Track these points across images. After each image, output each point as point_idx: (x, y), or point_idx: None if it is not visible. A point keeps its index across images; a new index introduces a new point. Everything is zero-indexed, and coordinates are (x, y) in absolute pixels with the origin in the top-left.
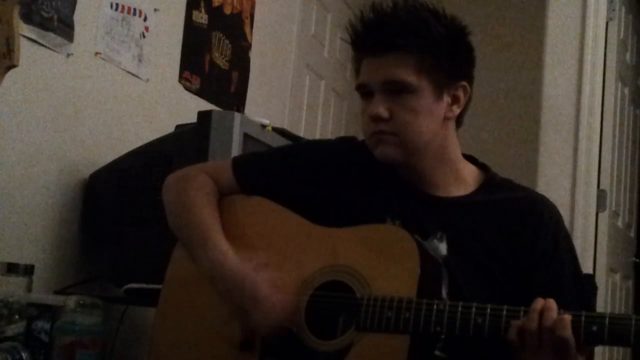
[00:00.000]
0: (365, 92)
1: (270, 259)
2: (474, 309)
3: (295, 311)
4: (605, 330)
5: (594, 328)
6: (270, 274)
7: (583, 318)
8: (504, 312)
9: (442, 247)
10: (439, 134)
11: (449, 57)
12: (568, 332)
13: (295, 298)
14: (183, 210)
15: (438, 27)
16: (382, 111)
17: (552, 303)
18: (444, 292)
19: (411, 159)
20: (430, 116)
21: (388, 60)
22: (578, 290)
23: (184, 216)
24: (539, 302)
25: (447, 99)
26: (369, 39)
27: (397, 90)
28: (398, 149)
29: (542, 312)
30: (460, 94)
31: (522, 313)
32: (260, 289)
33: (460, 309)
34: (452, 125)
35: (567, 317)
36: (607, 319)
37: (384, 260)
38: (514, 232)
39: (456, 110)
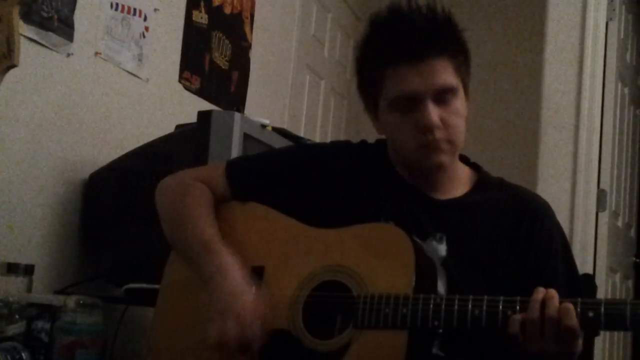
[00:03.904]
0: (409, 101)
1: (268, 263)
2: (470, 301)
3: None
4: (601, 315)
5: (591, 314)
6: (262, 308)
7: (579, 304)
8: (501, 302)
9: (442, 248)
10: None
11: (468, 56)
12: (574, 321)
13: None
14: (182, 222)
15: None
16: (438, 119)
17: (553, 292)
18: (442, 292)
19: None
20: (465, 116)
21: (433, 64)
22: (571, 282)
23: (183, 227)
24: (540, 292)
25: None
26: (416, 43)
27: (445, 95)
28: (452, 156)
29: (544, 302)
30: (468, 92)
31: (518, 303)
32: (247, 314)
33: (457, 301)
34: None
35: (571, 306)
36: (603, 304)
37: (379, 258)
38: (510, 230)
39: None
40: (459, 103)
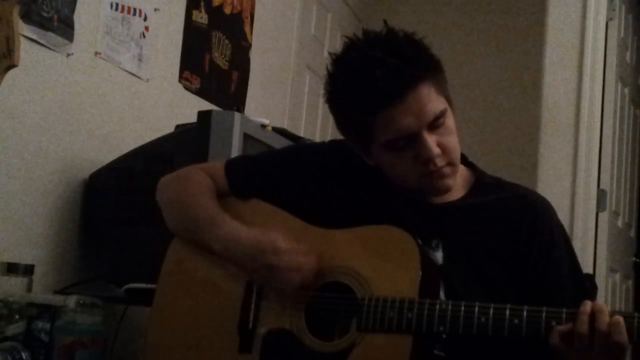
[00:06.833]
0: (404, 139)
1: None
2: (477, 308)
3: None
4: None
5: None
6: (282, 232)
7: (636, 320)
8: (507, 311)
9: (438, 256)
10: None
11: (441, 67)
12: (624, 337)
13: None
14: (184, 203)
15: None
16: (437, 148)
17: (603, 306)
18: (442, 297)
19: None
20: (455, 128)
21: (418, 96)
22: (576, 283)
23: (185, 207)
24: (588, 305)
25: None
26: (396, 82)
27: (437, 120)
28: (455, 176)
29: (592, 315)
30: (452, 102)
31: (525, 312)
32: (279, 243)
33: (463, 308)
34: None
35: (621, 321)
36: None
37: (384, 261)
38: (509, 231)
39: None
40: (450, 120)
